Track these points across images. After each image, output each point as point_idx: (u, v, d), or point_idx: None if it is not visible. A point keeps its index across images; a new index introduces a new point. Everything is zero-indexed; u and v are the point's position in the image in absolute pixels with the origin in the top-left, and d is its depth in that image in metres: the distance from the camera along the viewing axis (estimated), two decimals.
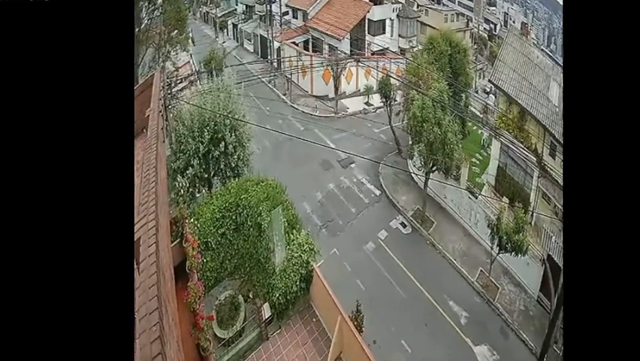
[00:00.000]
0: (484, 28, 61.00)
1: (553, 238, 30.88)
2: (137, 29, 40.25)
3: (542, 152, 33.38)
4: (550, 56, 38.58)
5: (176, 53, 46.71)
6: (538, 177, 33.95)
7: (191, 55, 53.96)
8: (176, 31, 46.20)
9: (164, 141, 22.68)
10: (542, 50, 40.39)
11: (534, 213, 33.96)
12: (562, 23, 5.87)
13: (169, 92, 31.59)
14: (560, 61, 36.54)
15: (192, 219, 20.62)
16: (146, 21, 42.93)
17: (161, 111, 23.19)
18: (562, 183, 25.86)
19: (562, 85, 28.49)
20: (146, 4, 42.32)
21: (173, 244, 18.97)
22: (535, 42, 41.61)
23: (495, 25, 75.12)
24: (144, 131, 17.63)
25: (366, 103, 56.50)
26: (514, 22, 77.35)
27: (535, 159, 33.96)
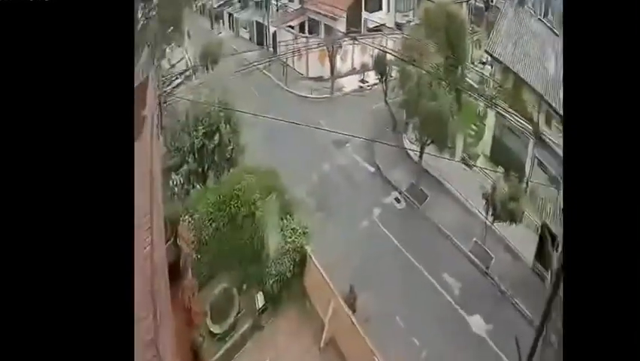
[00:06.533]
0: None
1: (549, 205, 31.10)
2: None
3: (538, 120, 33.51)
4: (547, 26, 38.41)
5: (172, 50, 46.79)
6: (534, 146, 34.16)
7: (186, 50, 54.07)
8: (172, 27, 46.26)
9: (158, 140, 23.19)
10: (539, 19, 40.07)
11: (529, 182, 34.18)
12: None
13: (164, 90, 31.94)
14: (557, 31, 36.54)
15: (186, 216, 21.13)
16: (142, 21, 43.02)
17: (156, 110, 23.66)
18: (557, 152, 25.80)
19: (558, 54, 28.47)
20: (142, 4, 42.42)
21: (168, 242, 19.53)
22: (532, 12, 41.32)
23: None
24: (139, 132, 18.13)
25: (362, 81, 56.53)
26: None
27: (531, 127, 34.11)
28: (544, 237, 29.43)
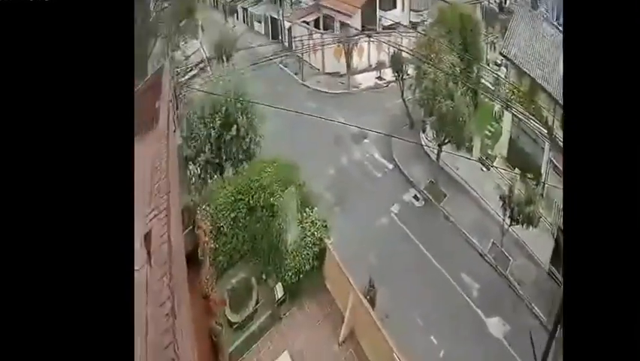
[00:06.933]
0: (495, 1, 60.24)
1: None
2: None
3: (553, 124, 33.32)
4: (559, 30, 38.15)
5: (185, 42, 46.80)
6: (550, 150, 33.95)
7: (201, 42, 54.08)
8: (185, 20, 46.23)
9: (175, 130, 23.04)
10: (552, 23, 39.86)
11: (545, 186, 34.00)
12: None
13: (179, 80, 31.88)
14: None
15: (204, 206, 20.96)
16: (154, 13, 42.94)
17: (171, 101, 23.50)
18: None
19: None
20: None
21: (186, 231, 19.32)
22: (545, 15, 41.13)
23: None
24: (155, 122, 17.90)
25: (378, 78, 56.75)
26: None
27: (546, 131, 33.94)
28: (560, 241, 29.26)
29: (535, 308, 29.18)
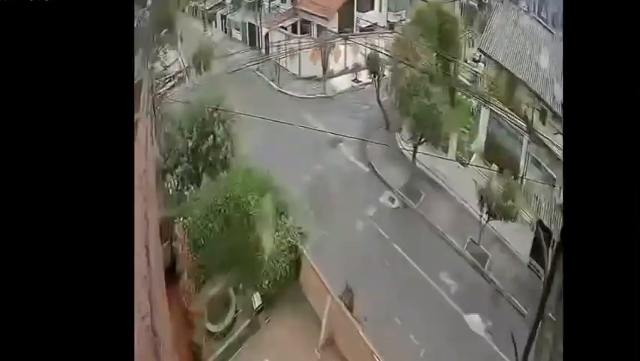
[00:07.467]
0: None
1: (543, 203, 31.14)
2: None
3: (532, 118, 33.51)
4: (541, 24, 38.28)
5: (165, 52, 46.66)
6: (528, 143, 34.15)
7: (180, 52, 53.95)
8: (165, 30, 46.04)
9: (152, 143, 23.12)
10: (533, 17, 39.97)
11: (524, 179, 34.17)
12: None
13: (158, 91, 31.90)
14: (550, 28, 36.47)
15: (181, 218, 21.08)
16: (135, 24, 42.74)
17: (149, 114, 23.59)
18: (551, 148, 25.82)
19: (552, 52, 28.46)
20: (135, 6, 42.26)
21: (165, 244, 19.51)
22: (526, 9, 41.27)
23: None
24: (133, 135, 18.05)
25: (355, 80, 56.59)
26: None
27: (525, 125, 34.07)
28: (539, 233, 29.44)
29: (516, 302, 29.30)
